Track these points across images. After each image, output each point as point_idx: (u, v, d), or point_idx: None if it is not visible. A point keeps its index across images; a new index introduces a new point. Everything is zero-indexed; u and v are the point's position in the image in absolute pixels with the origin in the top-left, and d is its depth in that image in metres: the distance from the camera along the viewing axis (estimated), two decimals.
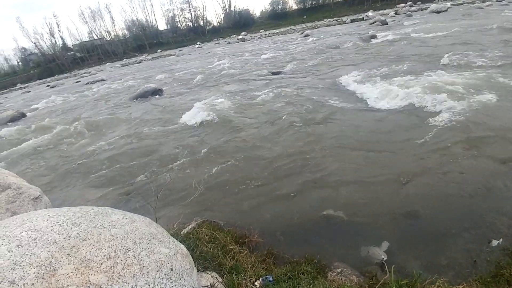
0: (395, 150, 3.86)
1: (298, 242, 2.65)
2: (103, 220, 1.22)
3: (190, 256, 1.45)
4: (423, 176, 3.23)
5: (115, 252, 1.07)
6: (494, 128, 3.92)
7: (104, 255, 1.04)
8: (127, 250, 1.11)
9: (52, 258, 0.95)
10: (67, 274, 0.92)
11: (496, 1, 30.16)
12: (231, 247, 2.35)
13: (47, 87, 28.57)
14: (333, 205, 3.02)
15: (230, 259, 2.17)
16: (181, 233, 2.48)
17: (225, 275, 1.98)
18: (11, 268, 0.89)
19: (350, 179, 3.41)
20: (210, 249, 2.23)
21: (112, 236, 1.14)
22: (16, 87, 42.37)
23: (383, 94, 5.78)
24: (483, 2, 29.66)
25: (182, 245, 1.45)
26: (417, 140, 3.99)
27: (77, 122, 8.39)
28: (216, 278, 1.91)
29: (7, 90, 41.29)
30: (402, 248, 2.40)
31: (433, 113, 4.65)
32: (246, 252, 2.38)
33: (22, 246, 0.96)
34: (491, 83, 5.42)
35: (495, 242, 2.24)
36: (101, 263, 1.01)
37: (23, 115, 12.10)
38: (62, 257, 0.96)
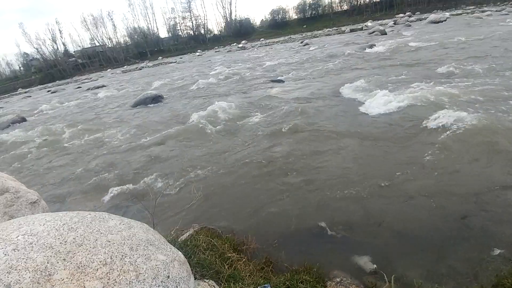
0: (394, 159, 3.86)
1: (297, 250, 2.62)
2: (100, 226, 1.21)
3: (188, 264, 1.44)
4: (422, 185, 3.22)
5: (111, 258, 1.06)
6: (496, 139, 3.93)
7: (100, 261, 1.03)
8: (123, 257, 1.10)
9: (48, 263, 0.94)
10: (63, 279, 0.91)
11: (496, 10, 30.61)
12: (229, 254, 2.32)
13: (48, 92, 28.76)
14: (332, 213, 3.00)
15: (228, 267, 2.14)
16: (179, 239, 2.45)
17: (222, 284, 1.96)
18: (7, 272, 0.88)
19: (349, 188, 3.39)
20: (207, 256, 2.20)
21: (109, 241, 1.13)
22: (17, 92, 42.66)
23: (383, 103, 5.82)
24: (482, 12, 30.13)
25: (180, 252, 1.44)
26: (415, 149, 4.00)
27: (76, 128, 8.41)
28: (214, 286, 1.88)
29: (8, 94, 41.55)
30: (402, 258, 2.37)
31: (431, 122, 4.67)
32: (244, 260, 2.35)
33: (18, 250, 0.96)
34: (488, 93, 5.47)
35: (496, 251, 2.22)
36: (97, 269, 0.99)
37: (23, 119, 12.13)
38: (58, 262, 0.95)
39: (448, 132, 4.23)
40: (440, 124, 4.47)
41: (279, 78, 11.41)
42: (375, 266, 2.31)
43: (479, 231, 2.48)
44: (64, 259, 0.97)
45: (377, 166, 3.76)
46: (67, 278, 0.92)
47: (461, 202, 2.85)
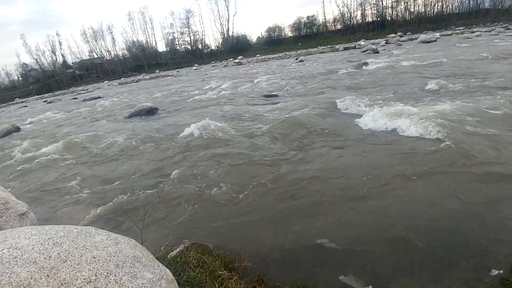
0: (390, 176, 3.86)
1: (289, 269, 2.58)
2: (85, 241, 1.19)
3: (176, 282, 1.41)
4: (419, 203, 3.22)
5: (95, 275, 1.04)
6: (491, 155, 3.99)
7: (84, 279, 1.01)
8: (108, 274, 1.08)
9: (31, 278, 0.92)
10: None
11: (486, 31, 31.79)
12: (220, 272, 2.27)
13: (44, 103, 28.72)
14: (327, 230, 2.98)
15: (218, 286, 2.10)
16: (168, 256, 2.40)
17: None
18: None
19: (345, 206, 3.38)
20: (197, 274, 2.16)
21: (94, 258, 1.11)
22: (14, 102, 42.63)
23: (377, 118, 5.94)
24: (472, 32, 31.27)
25: (168, 270, 1.41)
26: (410, 166, 4.03)
27: (69, 138, 8.33)
28: None
29: (5, 104, 41.48)
30: (399, 278, 2.33)
31: (425, 138, 4.75)
32: (235, 278, 2.30)
33: (2, 264, 0.94)
34: (475, 109, 5.62)
35: (494, 272, 2.19)
36: (81, 287, 0.97)
37: (17, 129, 12.00)
38: (41, 278, 0.93)
39: (442, 150, 4.30)
40: (438, 142, 4.55)
41: (273, 93, 11.58)
42: (370, 287, 2.27)
43: (477, 251, 2.45)
44: (48, 275, 0.95)
45: (374, 183, 3.76)
46: None
47: (458, 221, 2.84)
